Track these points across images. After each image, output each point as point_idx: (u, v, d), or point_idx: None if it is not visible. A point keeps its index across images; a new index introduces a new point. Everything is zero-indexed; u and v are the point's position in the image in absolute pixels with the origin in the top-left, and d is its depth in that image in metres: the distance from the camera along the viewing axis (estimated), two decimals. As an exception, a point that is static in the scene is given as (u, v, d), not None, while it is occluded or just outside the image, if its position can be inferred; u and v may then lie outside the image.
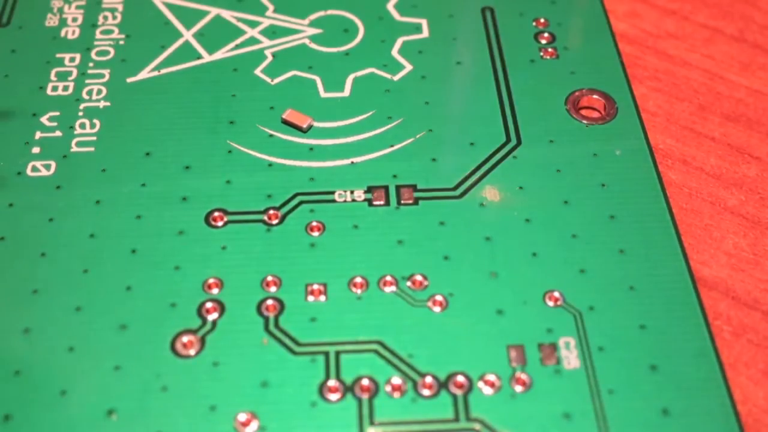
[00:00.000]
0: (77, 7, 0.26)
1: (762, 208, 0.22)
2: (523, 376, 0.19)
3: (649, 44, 0.26)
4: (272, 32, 0.26)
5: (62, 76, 0.24)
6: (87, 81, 0.24)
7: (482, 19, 0.26)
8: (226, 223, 0.21)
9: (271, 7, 0.26)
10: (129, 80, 0.24)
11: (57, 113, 0.23)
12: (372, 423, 0.18)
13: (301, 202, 0.21)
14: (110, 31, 0.25)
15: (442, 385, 0.18)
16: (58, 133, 0.23)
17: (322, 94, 0.24)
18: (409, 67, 0.25)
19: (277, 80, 0.24)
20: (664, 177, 0.23)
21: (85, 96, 0.24)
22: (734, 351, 0.20)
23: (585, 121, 0.23)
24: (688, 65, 0.26)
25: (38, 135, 0.23)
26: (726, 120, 0.24)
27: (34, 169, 0.22)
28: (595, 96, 0.24)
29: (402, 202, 0.21)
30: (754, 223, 0.22)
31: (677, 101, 0.25)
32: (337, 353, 0.19)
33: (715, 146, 0.24)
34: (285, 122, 0.23)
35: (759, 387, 0.19)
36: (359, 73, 0.24)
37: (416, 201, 0.21)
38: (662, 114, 0.24)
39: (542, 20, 0.26)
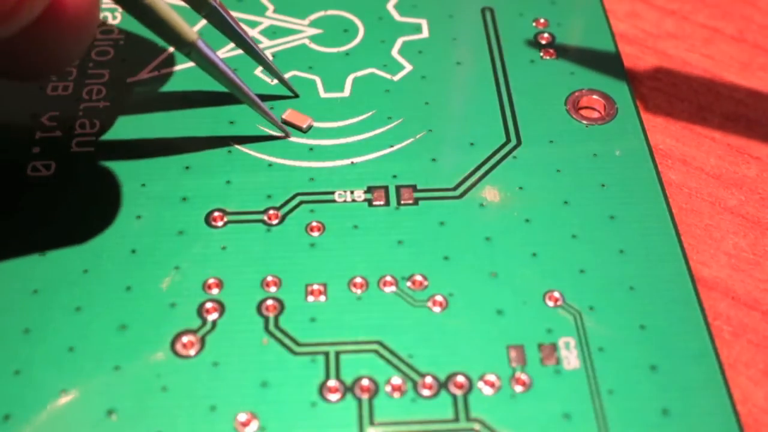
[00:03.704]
0: (77, 7, 0.26)
1: (762, 208, 0.22)
2: (523, 377, 0.19)
3: (649, 44, 0.26)
4: (272, 32, 0.26)
5: (62, 76, 0.24)
6: (87, 81, 0.24)
7: (482, 20, 0.26)
8: (226, 223, 0.21)
9: (271, 8, 0.26)
10: (129, 80, 0.24)
11: (57, 113, 0.23)
12: (372, 423, 0.18)
13: (301, 202, 0.21)
14: (110, 31, 0.25)
15: (442, 385, 0.18)
16: (58, 133, 0.23)
17: (322, 94, 0.24)
18: (409, 67, 0.25)
19: (277, 80, 0.24)
20: (664, 177, 0.23)
21: (85, 96, 0.24)
22: (734, 351, 0.20)
23: (585, 121, 0.23)
24: (687, 65, 0.26)
25: (38, 135, 0.23)
26: (726, 120, 0.24)
27: (34, 169, 0.22)
28: (595, 96, 0.24)
29: (402, 202, 0.21)
30: (754, 223, 0.22)
31: (677, 101, 0.25)
32: (337, 353, 0.19)
33: (715, 146, 0.24)
34: (285, 122, 0.23)
35: (759, 387, 0.19)
36: (359, 73, 0.24)
37: (416, 201, 0.21)
38: (662, 114, 0.24)
39: (542, 20, 0.26)
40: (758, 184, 0.23)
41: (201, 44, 0.21)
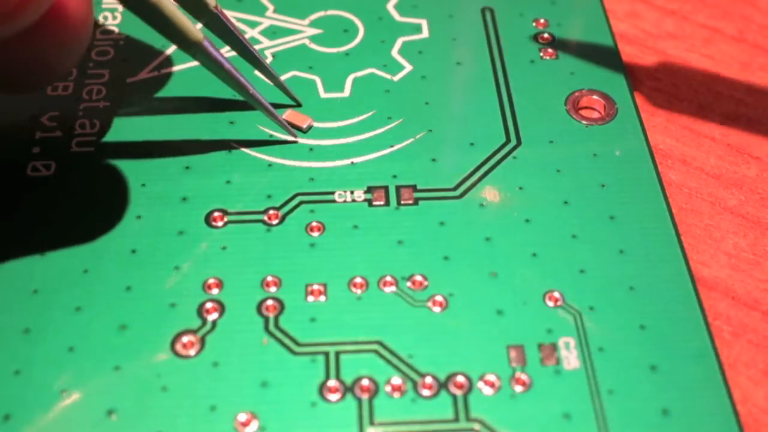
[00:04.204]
0: (77, 7, 0.26)
1: (762, 208, 0.22)
2: (523, 377, 0.19)
3: (649, 44, 0.26)
4: (272, 32, 0.26)
5: (62, 77, 0.24)
6: (87, 81, 0.24)
7: (482, 20, 0.26)
8: (226, 224, 0.21)
9: (271, 8, 0.26)
10: (129, 80, 0.24)
11: (57, 113, 0.23)
12: (372, 423, 0.18)
13: (301, 203, 0.21)
14: (110, 31, 0.25)
15: (442, 385, 0.18)
16: (58, 133, 0.23)
17: (322, 94, 0.24)
18: (409, 68, 0.25)
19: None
20: (664, 177, 0.23)
21: (85, 96, 0.24)
22: (734, 351, 0.20)
23: (585, 122, 0.23)
24: (688, 65, 0.26)
25: (38, 135, 0.23)
26: (726, 120, 0.24)
27: (34, 169, 0.22)
28: (594, 96, 0.24)
29: (402, 202, 0.21)
30: (754, 223, 0.22)
31: (677, 101, 0.25)
32: (337, 353, 0.19)
33: (715, 146, 0.24)
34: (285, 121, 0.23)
35: (759, 387, 0.19)
36: (359, 74, 0.24)
37: (416, 201, 0.21)
38: (662, 114, 0.24)
39: (542, 20, 0.26)
40: (758, 184, 0.23)
41: (207, 44, 0.21)
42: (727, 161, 0.23)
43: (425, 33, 0.26)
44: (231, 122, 0.23)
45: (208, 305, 0.20)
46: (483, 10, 0.26)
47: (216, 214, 0.21)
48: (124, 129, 0.23)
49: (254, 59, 0.23)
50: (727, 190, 0.23)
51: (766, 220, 0.22)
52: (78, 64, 0.24)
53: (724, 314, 0.20)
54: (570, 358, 0.19)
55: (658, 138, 0.24)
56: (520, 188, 0.22)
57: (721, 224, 0.22)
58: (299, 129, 0.23)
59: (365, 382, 0.18)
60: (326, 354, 0.19)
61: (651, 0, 0.28)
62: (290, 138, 0.23)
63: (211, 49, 0.21)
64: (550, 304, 0.20)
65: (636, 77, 0.25)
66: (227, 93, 0.23)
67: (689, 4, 0.28)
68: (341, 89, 0.24)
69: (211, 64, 0.21)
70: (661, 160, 0.23)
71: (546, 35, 0.25)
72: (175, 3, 0.22)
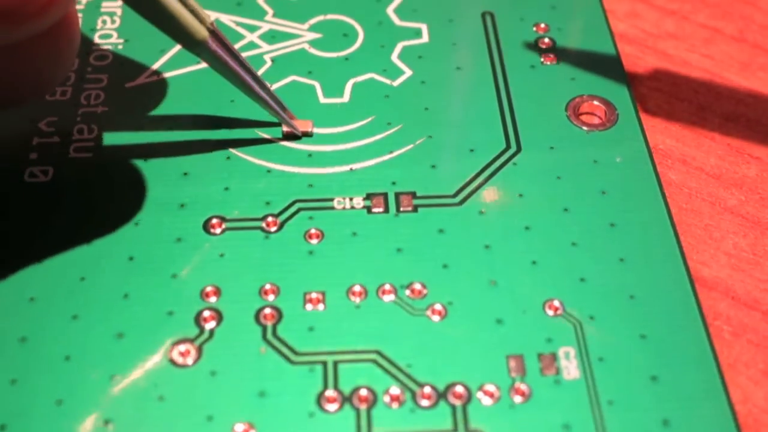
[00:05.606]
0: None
1: (762, 208, 0.22)
2: (523, 387, 0.18)
3: (649, 44, 0.26)
4: (271, 37, 0.25)
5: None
6: (85, 86, 0.24)
7: (482, 24, 0.26)
8: (224, 230, 0.21)
9: (270, 12, 0.26)
10: (127, 85, 0.24)
11: (55, 118, 0.23)
12: (370, 433, 0.18)
13: (299, 209, 0.21)
14: (109, 36, 0.25)
15: (441, 395, 0.18)
16: (55, 139, 0.23)
17: (322, 99, 0.24)
18: (408, 73, 0.24)
19: (276, 85, 0.24)
20: (663, 177, 0.22)
21: (83, 101, 0.23)
22: (734, 351, 0.20)
23: (585, 128, 0.23)
24: (687, 65, 0.26)
25: (36, 141, 0.23)
26: (726, 120, 0.24)
27: (32, 175, 0.22)
28: (595, 102, 0.24)
29: (401, 209, 0.21)
30: (754, 223, 0.22)
31: (677, 101, 0.25)
32: (336, 363, 0.19)
33: (715, 146, 0.24)
34: (285, 133, 0.23)
35: (759, 387, 0.19)
36: (359, 79, 0.24)
37: (415, 208, 0.21)
38: (662, 114, 0.24)
39: (542, 25, 0.26)
40: (758, 184, 0.23)
41: (212, 43, 0.21)
42: (727, 161, 0.23)
43: (425, 38, 0.25)
44: (229, 128, 0.23)
45: (206, 313, 0.19)
46: (483, 15, 0.26)
47: (214, 220, 0.21)
48: (122, 134, 0.23)
49: (254, 76, 0.22)
50: (727, 190, 0.23)
51: (766, 220, 0.22)
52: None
53: (724, 314, 0.20)
54: (570, 367, 0.19)
55: (658, 138, 0.24)
56: (520, 195, 0.22)
57: (721, 224, 0.22)
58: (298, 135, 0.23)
59: (363, 392, 0.18)
60: (324, 363, 0.19)
61: (651, 0, 0.28)
62: (297, 133, 0.23)
63: (216, 48, 0.21)
64: (550, 313, 0.20)
65: (636, 77, 0.25)
66: (226, 99, 0.23)
67: (689, 4, 0.28)
68: (341, 94, 0.24)
69: (217, 63, 0.21)
70: (661, 161, 0.23)
71: (546, 40, 0.25)
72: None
